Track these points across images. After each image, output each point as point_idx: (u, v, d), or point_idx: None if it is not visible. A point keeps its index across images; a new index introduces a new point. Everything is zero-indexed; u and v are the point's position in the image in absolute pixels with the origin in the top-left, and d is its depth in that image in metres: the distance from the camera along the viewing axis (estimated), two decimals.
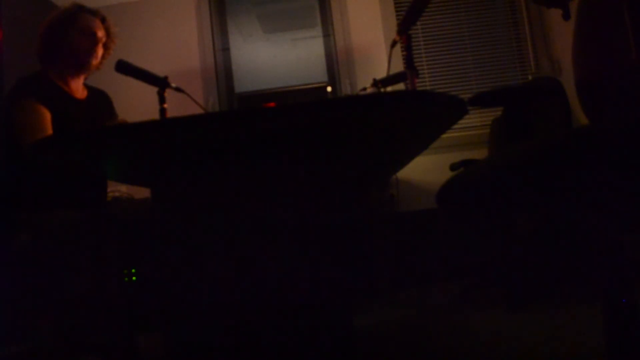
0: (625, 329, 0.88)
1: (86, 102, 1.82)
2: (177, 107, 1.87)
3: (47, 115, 1.62)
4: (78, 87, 1.81)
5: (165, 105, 1.67)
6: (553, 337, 1.55)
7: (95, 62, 1.78)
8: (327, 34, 3.45)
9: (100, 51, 1.80)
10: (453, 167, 2.51)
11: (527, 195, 0.77)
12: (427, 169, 3.01)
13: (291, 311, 1.15)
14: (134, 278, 1.72)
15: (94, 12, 1.80)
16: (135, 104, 2.71)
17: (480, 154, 2.89)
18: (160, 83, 1.65)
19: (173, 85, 1.67)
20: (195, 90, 3.27)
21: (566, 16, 1.10)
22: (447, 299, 2.41)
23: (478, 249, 2.91)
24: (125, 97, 3.12)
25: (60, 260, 1.53)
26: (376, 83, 1.89)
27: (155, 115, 1.67)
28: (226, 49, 3.51)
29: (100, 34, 1.78)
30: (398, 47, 3.12)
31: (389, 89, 1.89)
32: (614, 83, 0.79)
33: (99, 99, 1.91)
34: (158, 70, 1.71)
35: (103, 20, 1.82)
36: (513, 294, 2.12)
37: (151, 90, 1.67)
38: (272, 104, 1.08)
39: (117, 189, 2.39)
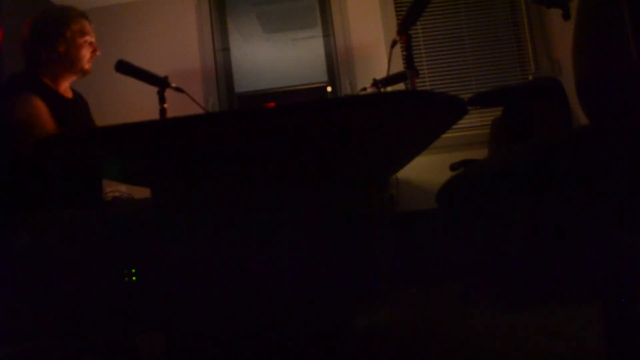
0: (625, 329, 0.88)
1: (73, 101, 1.81)
2: (177, 107, 1.87)
3: (47, 111, 1.61)
4: (66, 88, 1.80)
5: (166, 105, 1.67)
6: (553, 336, 1.55)
7: (89, 67, 1.78)
8: (327, 34, 3.44)
9: (94, 56, 1.79)
10: (453, 167, 2.52)
11: (526, 195, 0.77)
12: (427, 169, 3.01)
13: (291, 311, 1.15)
14: (134, 278, 1.72)
15: (85, 15, 1.79)
16: (135, 104, 2.71)
17: (480, 154, 2.89)
18: (160, 83, 1.65)
19: (173, 85, 1.67)
20: (195, 90, 3.27)
21: (566, 16, 1.10)
22: (447, 299, 2.41)
23: (478, 249, 2.91)
24: (125, 97, 3.13)
25: (60, 260, 1.53)
26: (376, 83, 1.89)
27: (155, 115, 1.67)
28: (226, 49, 3.51)
29: (94, 38, 1.78)
30: (398, 47, 3.11)
31: (389, 89, 1.89)
32: (614, 83, 0.79)
33: (81, 101, 1.90)
34: (158, 70, 1.71)
35: (90, 22, 1.81)
36: (513, 294, 2.12)
37: (151, 90, 1.67)
38: (272, 104, 1.08)
39: (117, 189, 2.39)
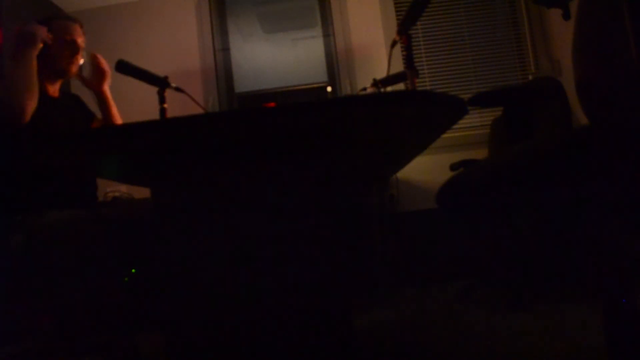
0: (625, 329, 0.88)
1: (60, 100, 1.82)
2: (177, 107, 1.88)
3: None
4: (54, 90, 1.80)
5: (165, 105, 1.67)
6: (553, 336, 1.55)
7: (75, 69, 1.77)
8: (327, 34, 3.44)
9: (80, 59, 1.78)
10: (453, 167, 2.52)
11: (526, 195, 0.77)
12: (427, 169, 3.01)
13: (291, 311, 1.15)
14: (134, 278, 1.72)
15: (73, 19, 1.79)
16: (135, 104, 2.72)
17: (480, 154, 2.90)
18: (160, 83, 1.65)
19: (173, 85, 1.67)
20: (195, 90, 3.27)
21: (566, 16, 1.10)
22: (447, 299, 2.41)
23: (478, 249, 2.91)
24: (125, 97, 3.13)
25: (57, 260, 1.53)
26: (376, 83, 1.89)
27: (155, 115, 1.67)
28: (226, 49, 3.51)
29: (80, 40, 1.78)
30: (398, 47, 3.12)
31: (389, 89, 1.89)
32: (614, 83, 0.79)
33: (71, 100, 1.91)
34: (158, 70, 1.71)
35: (81, 26, 1.81)
36: (513, 294, 2.12)
37: (151, 90, 1.67)
38: (272, 104, 1.08)
39: (117, 189, 2.39)
